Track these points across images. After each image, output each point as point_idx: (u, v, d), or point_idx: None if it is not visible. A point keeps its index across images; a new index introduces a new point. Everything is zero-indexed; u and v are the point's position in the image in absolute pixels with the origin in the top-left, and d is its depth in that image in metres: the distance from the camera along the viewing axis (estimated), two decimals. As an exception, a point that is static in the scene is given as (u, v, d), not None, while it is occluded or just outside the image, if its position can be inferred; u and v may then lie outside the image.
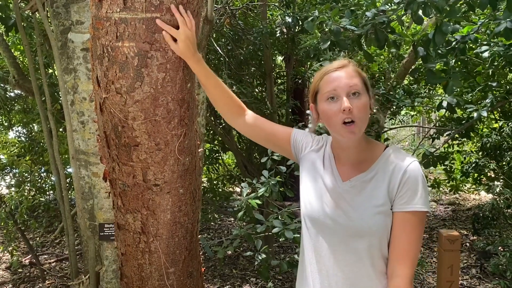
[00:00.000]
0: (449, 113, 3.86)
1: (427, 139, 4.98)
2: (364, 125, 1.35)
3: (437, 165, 3.47)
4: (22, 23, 3.32)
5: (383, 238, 1.34)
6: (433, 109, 5.16)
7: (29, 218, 5.49)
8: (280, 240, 2.69)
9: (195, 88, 1.64)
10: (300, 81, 5.83)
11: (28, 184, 5.31)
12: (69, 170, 3.67)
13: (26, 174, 5.27)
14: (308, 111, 3.48)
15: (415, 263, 1.32)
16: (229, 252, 4.20)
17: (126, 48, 1.38)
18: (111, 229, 2.49)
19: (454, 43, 2.68)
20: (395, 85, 3.86)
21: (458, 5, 2.55)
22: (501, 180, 4.99)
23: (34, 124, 5.66)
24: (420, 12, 2.33)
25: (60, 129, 4.69)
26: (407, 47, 4.45)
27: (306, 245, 1.45)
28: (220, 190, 5.72)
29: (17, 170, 5.41)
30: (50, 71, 4.72)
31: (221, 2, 4.68)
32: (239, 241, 3.04)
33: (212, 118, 4.90)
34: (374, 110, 1.46)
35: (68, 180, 4.02)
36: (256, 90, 5.58)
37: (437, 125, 4.65)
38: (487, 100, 3.26)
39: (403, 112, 6.40)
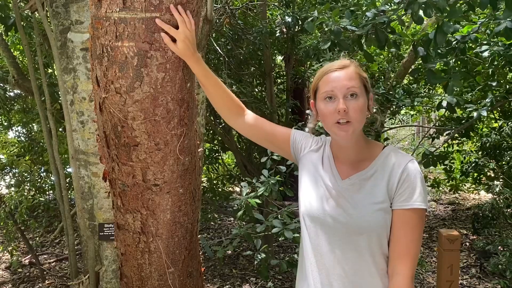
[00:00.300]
0: (448, 113, 3.86)
1: (427, 138, 4.98)
2: (360, 126, 1.37)
3: (437, 165, 3.48)
4: (22, 23, 3.31)
5: (383, 235, 1.35)
6: (433, 109, 5.16)
7: (29, 218, 5.49)
8: (280, 239, 2.69)
9: (195, 88, 1.64)
10: (299, 81, 5.83)
11: (28, 184, 5.31)
12: (69, 170, 3.67)
13: (25, 174, 5.27)
14: (307, 111, 3.48)
15: (416, 261, 1.33)
16: (229, 252, 4.20)
17: (125, 48, 1.38)
18: (110, 229, 2.49)
19: (454, 43, 2.68)
20: (394, 85, 3.86)
21: (458, 5, 2.55)
22: (500, 180, 4.99)
23: (33, 124, 5.65)
24: (421, 12, 2.33)
25: (60, 129, 4.68)
26: (407, 47, 4.46)
27: (305, 244, 1.45)
28: (220, 189, 5.72)
29: (16, 170, 5.42)
30: (50, 71, 4.72)
31: (220, 1, 4.68)
32: (239, 240, 3.04)
33: (212, 117, 4.90)
34: (374, 110, 1.46)
35: (67, 180, 4.02)
36: (256, 89, 5.58)
37: (437, 124, 4.65)
38: (486, 100, 3.26)
39: (403, 112, 6.40)
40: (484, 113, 3.10)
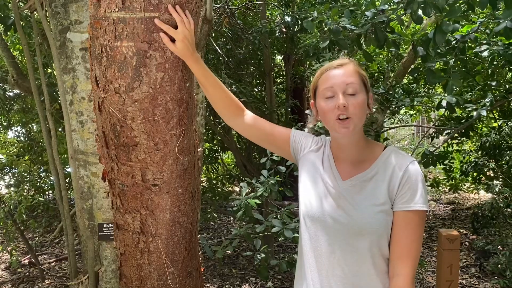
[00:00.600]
0: (448, 112, 3.86)
1: (426, 138, 4.98)
2: (360, 122, 1.37)
3: (436, 165, 3.48)
4: (21, 23, 3.31)
5: (383, 237, 1.34)
6: (433, 108, 5.16)
7: (28, 218, 5.49)
8: (280, 239, 2.69)
9: (194, 88, 1.64)
10: (299, 81, 5.83)
11: (27, 184, 5.31)
12: (68, 170, 3.67)
13: (25, 174, 5.27)
14: (307, 111, 3.47)
15: (416, 262, 1.33)
16: (229, 252, 4.20)
17: (124, 47, 1.38)
18: (110, 229, 2.49)
19: (453, 42, 2.68)
20: (394, 84, 3.86)
21: (458, 4, 2.55)
22: (500, 179, 4.99)
23: (33, 124, 5.65)
24: (420, 11, 2.33)
25: (59, 129, 4.68)
26: (407, 47, 4.45)
27: (305, 244, 1.45)
28: (219, 189, 5.72)
29: (16, 170, 5.42)
30: (49, 70, 4.71)
31: (220, 1, 4.68)
32: (239, 240, 3.04)
33: (211, 117, 4.90)
34: (374, 110, 1.46)
35: (67, 180, 4.02)
36: (255, 89, 5.57)
37: (437, 124, 4.65)
38: (486, 99, 3.25)
39: (402, 112, 6.41)
40: (484, 113, 3.10)
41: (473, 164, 4.98)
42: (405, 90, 3.94)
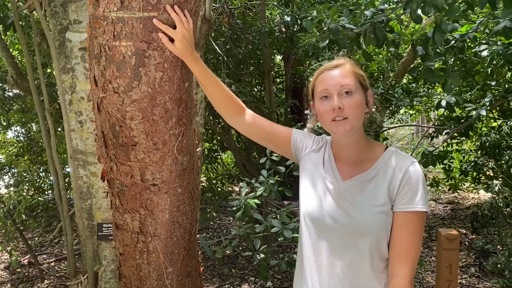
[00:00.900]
0: (448, 112, 3.86)
1: (426, 138, 4.98)
2: (358, 122, 1.37)
3: (436, 164, 3.47)
4: (20, 23, 3.31)
5: (383, 237, 1.35)
6: (432, 108, 5.16)
7: (28, 218, 5.49)
8: (279, 239, 2.69)
9: (193, 88, 1.64)
10: (299, 80, 5.83)
11: (27, 184, 5.30)
12: (68, 169, 3.67)
13: (24, 174, 5.27)
14: (306, 111, 3.47)
15: (415, 263, 1.34)
16: (228, 252, 4.20)
17: (123, 47, 1.38)
18: (109, 229, 2.49)
19: (453, 42, 2.68)
20: (393, 84, 3.85)
21: (457, 3, 2.55)
22: (500, 179, 4.98)
23: (32, 124, 5.65)
24: (419, 11, 2.33)
25: (59, 129, 4.68)
26: (406, 46, 4.45)
27: (305, 244, 1.45)
28: (219, 189, 5.72)
29: (15, 170, 5.41)
30: (48, 70, 4.71)
31: (219, 1, 4.67)
32: (238, 240, 3.04)
33: (211, 117, 4.90)
34: (373, 109, 1.46)
35: (66, 180, 4.01)
36: (255, 89, 5.57)
37: (436, 124, 4.65)
38: (486, 99, 3.25)
39: (402, 111, 6.41)
40: (483, 113, 3.10)
41: (472, 163, 4.98)
42: (404, 89, 3.94)
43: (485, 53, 2.84)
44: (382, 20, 2.51)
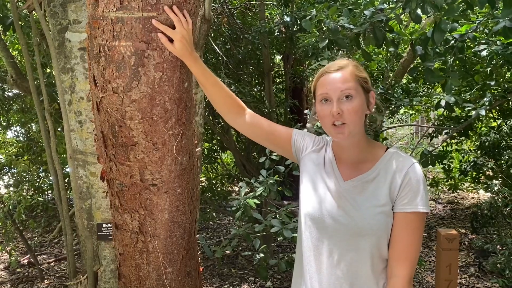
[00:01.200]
0: (447, 112, 3.86)
1: (425, 138, 4.98)
2: (356, 127, 1.37)
3: (435, 164, 3.47)
4: (20, 23, 3.31)
5: (383, 238, 1.35)
6: (432, 108, 5.16)
7: (28, 218, 5.49)
8: (279, 239, 2.69)
9: (193, 88, 1.64)
10: (298, 80, 5.83)
11: (27, 184, 5.30)
12: (67, 169, 3.67)
13: (24, 174, 5.26)
14: (306, 111, 3.47)
15: (415, 263, 1.34)
16: (228, 252, 4.20)
17: (122, 47, 1.38)
18: (109, 229, 2.49)
19: (452, 41, 2.68)
20: (393, 84, 3.86)
21: (457, 3, 2.55)
22: (499, 179, 4.99)
23: (32, 124, 5.65)
24: (419, 10, 2.33)
25: (59, 129, 4.68)
26: (406, 46, 4.45)
27: (305, 244, 1.45)
28: (218, 189, 5.72)
29: (15, 170, 5.41)
30: (48, 70, 4.71)
31: (219, 1, 4.67)
32: (238, 240, 3.04)
33: (210, 117, 4.90)
34: (373, 109, 1.46)
35: (66, 180, 4.01)
36: (255, 89, 5.57)
37: (436, 124, 4.65)
38: (485, 99, 3.25)
39: (401, 111, 6.41)
40: (483, 112, 3.10)
41: (472, 163, 4.98)
42: (404, 89, 3.94)
43: (484, 53, 2.84)
44: (382, 20, 2.51)
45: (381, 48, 3.85)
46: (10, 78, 4.06)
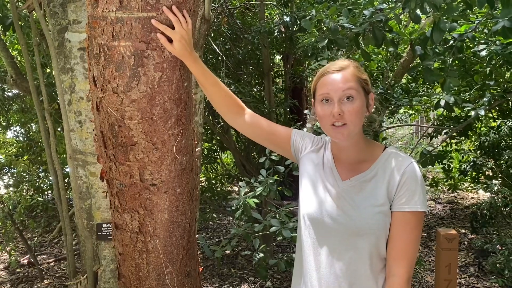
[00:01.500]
0: (447, 112, 3.86)
1: (425, 137, 4.98)
2: (356, 128, 1.38)
3: (434, 164, 3.48)
4: (19, 23, 3.31)
5: (382, 237, 1.35)
6: (431, 108, 5.16)
7: (27, 218, 5.49)
8: (278, 239, 2.69)
9: (192, 87, 1.64)
10: (298, 80, 5.83)
11: (26, 184, 5.31)
12: (67, 169, 3.67)
13: (24, 174, 5.27)
14: (306, 111, 3.47)
15: (413, 263, 1.34)
16: (227, 252, 4.20)
17: (122, 47, 1.38)
18: (108, 228, 2.49)
19: (451, 41, 2.68)
20: (393, 84, 3.86)
21: (456, 3, 2.55)
22: (499, 179, 4.99)
23: (32, 124, 5.65)
24: (418, 10, 2.33)
25: (58, 129, 4.68)
26: (405, 46, 4.46)
27: (304, 243, 1.46)
28: (218, 189, 5.72)
29: (15, 170, 5.41)
30: (48, 70, 4.71)
31: (218, 1, 4.68)
32: (237, 240, 3.04)
33: (210, 117, 4.90)
34: (373, 110, 1.46)
35: (66, 180, 4.01)
36: (254, 89, 5.58)
37: (435, 124, 4.65)
38: (484, 99, 3.26)
39: (401, 111, 6.41)
40: (482, 112, 3.10)
41: (472, 163, 4.98)
42: (404, 89, 3.94)
43: (483, 53, 2.85)
44: (381, 20, 2.51)
45: (381, 48, 3.86)
46: (10, 78, 4.06)
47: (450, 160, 5.48)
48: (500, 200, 4.52)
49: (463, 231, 5.43)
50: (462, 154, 5.64)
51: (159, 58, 1.41)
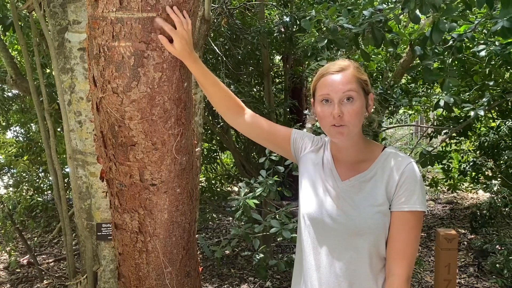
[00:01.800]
0: (446, 112, 3.87)
1: (424, 138, 4.98)
2: (356, 129, 1.38)
3: (434, 164, 3.48)
4: (19, 23, 3.31)
5: (381, 237, 1.36)
6: (431, 108, 5.17)
7: (27, 218, 5.49)
8: (278, 239, 2.70)
9: (192, 88, 1.64)
10: (298, 80, 5.84)
11: (26, 184, 5.31)
12: (67, 170, 3.67)
13: (24, 174, 5.27)
14: (305, 111, 3.48)
15: (412, 262, 1.34)
16: (227, 252, 4.20)
17: (122, 47, 1.38)
18: (108, 228, 2.50)
19: (451, 41, 2.69)
20: (392, 85, 3.86)
21: (455, 3, 2.56)
22: (498, 179, 4.99)
23: (32, 124, 5.65)
24: (417, 11, 2.33)
25: (58, 129, 4.68)
26: (405, 46, 4.46)
27: (304, 243, 1.46)
28: (218, 189, 5.72)
29: (15, 170, 5.42)
30: (48, 71, 4.71)
31: (218, 1, 4.68)
32: (237, 240, 3.04)
33: (210, 117, 4.90)
34: (372, 110, 1.47)
35: (65, 180, 4.02)
36: (254, 89, 5.58)
37: (435, 124, 4.66)
38: (484, 99, 3.26)
39: (401, 111, 6.41)
40: (482, 113, 3.11)
41: (471, 163, 4.99)
42: (403, 90, 3.94)
43: (483, 53, 2.85)
44: (380, 20, 2.52)
45: (380, 48, 3.86)
46: (10, 79, 4.06)
47: (449, 160, 5.48)
48: (499, 200, 4.53)
49: (463, 231, 5.43)
50: (461, 154, 5.65)
51: (159, 58, 1.41)
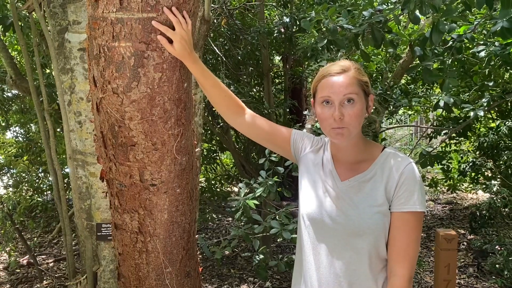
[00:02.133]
0: (446, 113, 3.87)
1: (424, 138, 4.99)
2: (356, 130, 1.38)
3: (434, 164, 3.48)
4: (19, 23, 3.31)
5: (381, 237, 1.36)
6: (431, 109, 5.17)
7: (27, 218, 5.49)
8: (278, 240, 2.70)
9: (192, 88, 1.64)
10: (297, 81, 5.84)
11: (26, 185, 5.31)
12: (67, 170, 3.67)
13: (23, 175, 5.27)
14: (305, 111, 3.48)
15: (414, 262, 1.35)
16: (227, 252, 4.20)
17: (122, 48, 1.38)
18: (108, 229, 2.50)
19: (450, 42, 2.69)
20: (392, 85, 3.87)
21: (455, 4, 2.56)
22: (498, 179, 5.00)
23: (31, 124, 5.66)
24: (417, 11, 2.33)
25: (58, 129, 4.69)
26: (405, 47, 4.46)
27: (304, 243, 1.46)
28: (218, 190, 5.73)
29: (14, 171, 5.42)
30: (48, 71, 4.72)
31: (218, 2, 4.68)
32: (237, 241, 3.04)
33: (210, 118, 4.91)
34: (372, 110, 1.47)
35: (65, 180, 4.02)
36: (254, 90, 5.58)
37: (435, 124, 4.66)
38: (483, 100, 3.27)
39: (400, 112, 6.42)
40: (481, 113, 3.11)
41: (471, 164, 4.99)
42: (403, 90, 3.95)
43: (482, 54, 2.85)
44: (380, 21, 2.52)
45: (380, 49, 3.87)
46: (10, 79, 4.06)
47: (449, 161, 5.49)
48: (499, 200, 4.53)
49: (462, 231, 5.44)
50: (461, 155, 5.65)
51: (159, 58, 1.41)
